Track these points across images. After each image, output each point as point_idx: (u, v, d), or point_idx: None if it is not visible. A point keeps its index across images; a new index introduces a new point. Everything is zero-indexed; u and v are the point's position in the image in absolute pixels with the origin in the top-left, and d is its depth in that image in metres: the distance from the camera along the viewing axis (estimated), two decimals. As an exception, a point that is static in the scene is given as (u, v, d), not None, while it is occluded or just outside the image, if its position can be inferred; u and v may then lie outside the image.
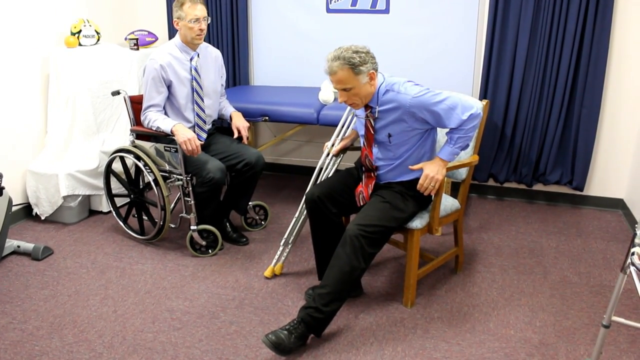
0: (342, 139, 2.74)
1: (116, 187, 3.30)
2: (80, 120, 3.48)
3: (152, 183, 2.97)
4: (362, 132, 2.49)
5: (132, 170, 3.16)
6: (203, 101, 3.04)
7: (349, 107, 2.75)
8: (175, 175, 2.97)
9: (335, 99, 3.44)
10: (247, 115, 3.27)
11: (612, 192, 3.63)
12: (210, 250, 3.03)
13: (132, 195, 3.17)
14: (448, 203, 2.63)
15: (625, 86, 3.41)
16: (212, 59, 3.10)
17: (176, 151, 2.88)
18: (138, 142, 3.08)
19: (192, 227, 2.97)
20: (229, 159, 3.02)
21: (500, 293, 2.67)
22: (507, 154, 3.66)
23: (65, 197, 3.35)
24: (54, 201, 3.35)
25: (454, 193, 2.95)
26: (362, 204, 2.49)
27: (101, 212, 3.57)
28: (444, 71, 3.70)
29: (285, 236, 2.81)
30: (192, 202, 2.94)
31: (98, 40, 3.66)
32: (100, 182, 3.41)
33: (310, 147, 4.19)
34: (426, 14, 3.65)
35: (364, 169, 2.54)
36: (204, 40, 3.01)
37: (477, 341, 2.31)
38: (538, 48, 3.39)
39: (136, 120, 3.10)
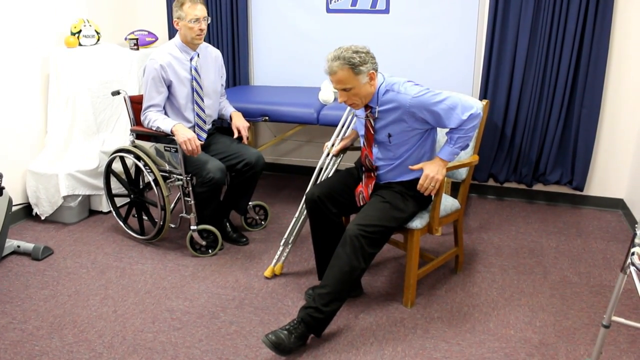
0: (342, 139, 2.74)
1: (116, 187, 3.30)
2: (80, 120, 3.48)
3: (152, 183, 2.97)
4: (362, 132, 2.49)
5: (132, 170, 3.16)
6: (203, 101, 3.04)
7: (349, 107, 2.75)
8: (175, 175, 2.97)
9: (335, 99, 3.44)
10: (247, 115, 3.27)
11: (612, 192, 3.63)
12: (210, 250, 3.03)
13: (132, 195, 3.17)
14: (448, 203, 2.63)
15: (625, 86, 3.41)
16: (212, 59, 3.10)
17: (176, 151, 2.88)
18: (138, 142, 3.08)
19: (192, 227, 2.97)
20: (229, 159, 3.02)
21: (500, 293, 2.67)
22: (507, 154, 3.66)
23: (65, 197, 3.35)
24: (54, 201, 3.35)
25: (454, 193, 2.95)
26: (362, 204, 2.49)
27: (101, 212, 3.57)
28: (444, 71, 3.69)
29: (285, 236, 2.81)
30: (192, 202, 2.94)
31: (98, 40, 3.66)
32: (100, 182, 3.41)
33: (310, 147, 4.19)
34: (426, 14, 3.65)
35: (364, 169, 2.54)
36: (204, 40, 3.01)
37: (477, 341, 2.31)
38: (538, 48, 3.39)
39: (136, 120, 3.10)
